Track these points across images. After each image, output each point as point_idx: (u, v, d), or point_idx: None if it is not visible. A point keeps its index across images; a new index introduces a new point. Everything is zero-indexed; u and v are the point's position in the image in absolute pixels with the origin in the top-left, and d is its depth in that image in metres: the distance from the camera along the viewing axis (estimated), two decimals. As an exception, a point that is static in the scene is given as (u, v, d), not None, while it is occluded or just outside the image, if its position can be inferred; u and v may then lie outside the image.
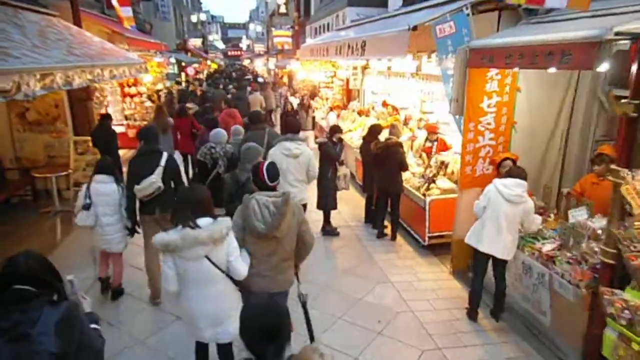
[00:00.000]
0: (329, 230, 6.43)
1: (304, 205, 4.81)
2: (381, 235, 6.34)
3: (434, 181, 5.97)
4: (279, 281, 3.11)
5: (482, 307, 4.45)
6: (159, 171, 4.23)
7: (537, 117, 5.22)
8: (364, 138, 6.75)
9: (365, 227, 6.79)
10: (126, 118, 12.30)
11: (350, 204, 7.58)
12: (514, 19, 5.33)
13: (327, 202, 6.27)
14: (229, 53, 71.72)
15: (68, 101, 8.03)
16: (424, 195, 5.86)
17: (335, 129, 6.28)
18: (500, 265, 4.19)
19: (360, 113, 10.17)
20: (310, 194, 5.69)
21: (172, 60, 17.31)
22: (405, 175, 6.17)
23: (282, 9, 26.82)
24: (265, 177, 3.02)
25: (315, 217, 6.38)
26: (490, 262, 4.25)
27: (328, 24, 14.91)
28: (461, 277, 5.18)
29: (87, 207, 4.28)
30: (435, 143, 6.68)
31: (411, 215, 6.22)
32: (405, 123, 8.22)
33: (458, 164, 6.06)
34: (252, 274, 2.97)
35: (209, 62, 37.69)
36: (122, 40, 11.54)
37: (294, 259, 3.19)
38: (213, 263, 2.73)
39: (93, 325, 2.03)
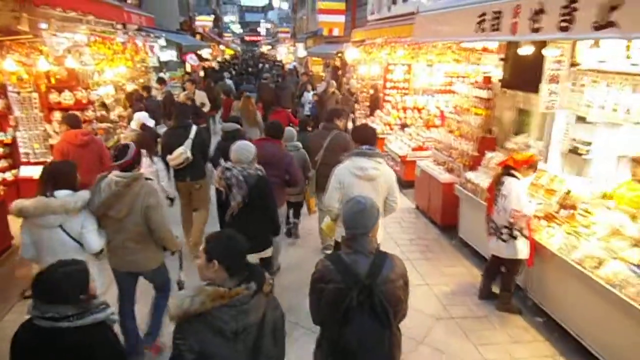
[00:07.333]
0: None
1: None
2: None
3: None
4: (129, 262, 3.18)
5: None
6: (187, 143, 4.77)
7: None
8: None
9: None
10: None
11: None
12: None
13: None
14: (247, 38, 66.08)
15: None
16: None
17: None
18: None
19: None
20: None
21: (162, 42, 11.03)
22: None
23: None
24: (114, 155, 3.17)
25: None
26: None
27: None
28: None
29: None
30: None
31: None
32: None
33: None
34: (107, 249, 3.09)
35: (222, 47, 31.39)
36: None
37: (152, 242, 3.19)
38: (67, 233, 2.84)
39: None
